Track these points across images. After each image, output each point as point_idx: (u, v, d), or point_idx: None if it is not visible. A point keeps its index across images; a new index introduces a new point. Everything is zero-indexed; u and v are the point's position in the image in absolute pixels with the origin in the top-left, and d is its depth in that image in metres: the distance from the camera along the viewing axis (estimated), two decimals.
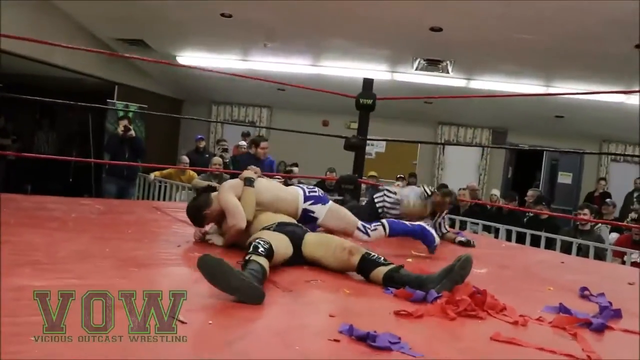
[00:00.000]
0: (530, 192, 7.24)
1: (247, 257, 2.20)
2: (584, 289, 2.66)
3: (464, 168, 11.01)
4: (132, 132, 6.91)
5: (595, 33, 6.09)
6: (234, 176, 7.04)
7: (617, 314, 2.24)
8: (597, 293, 2.57)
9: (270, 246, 2.30)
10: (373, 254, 2.52)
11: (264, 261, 2.19)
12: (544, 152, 10.98)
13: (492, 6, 5.85)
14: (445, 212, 4.23)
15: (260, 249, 2.25)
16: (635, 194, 9.13)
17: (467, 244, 3.98)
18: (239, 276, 1.96)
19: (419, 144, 11.04)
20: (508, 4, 5.73)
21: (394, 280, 2.36)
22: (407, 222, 3.46)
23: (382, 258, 2.49)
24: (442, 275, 2.30)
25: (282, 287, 2.21)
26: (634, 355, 1.81)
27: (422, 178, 10.55)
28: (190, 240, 3.01)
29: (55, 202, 4.02)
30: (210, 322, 1.69)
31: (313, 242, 2.67)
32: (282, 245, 2.50)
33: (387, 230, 3.29)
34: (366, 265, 2.47)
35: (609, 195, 9.18)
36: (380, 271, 2.42)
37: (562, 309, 2.22)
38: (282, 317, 1.88)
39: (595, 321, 2.00)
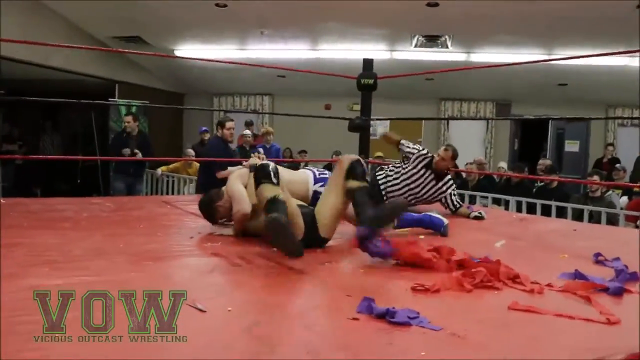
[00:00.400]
0: (541, 161, 7.19)
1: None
2: (598, 254, 2.65)
3: (469, 143, 10.95)
4: (133, 127, 6.84)
5: None
6: (233, 164, 7.10)
7: (634, 277, 2.24)
8: (612, 258, 2.57)
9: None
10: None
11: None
12: (549, 122, 10.91)
13: None
14: (450, 172, 4.24)
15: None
16: None
17: (481, 217, 3.98)
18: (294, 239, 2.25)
19: (423, 121, 11.00)
20: None
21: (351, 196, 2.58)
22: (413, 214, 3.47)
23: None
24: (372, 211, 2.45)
25: (296, 270, 2.22)
26: None
27: None
28: (202, 231, 3.02)
29: (66, 203, 4.03)
30: (230, 308, 1.70)
31: (320, 206, 2.73)
32: (296, 213, 2.57)
33: (395, 223, 3.31)
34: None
35: (617, 161, 9.14)
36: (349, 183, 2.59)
37: (578, 275, 2.21)
38: (300, 300, 1.90)
39: (612, 285, 2.00)
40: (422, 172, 4.20)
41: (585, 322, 1.69)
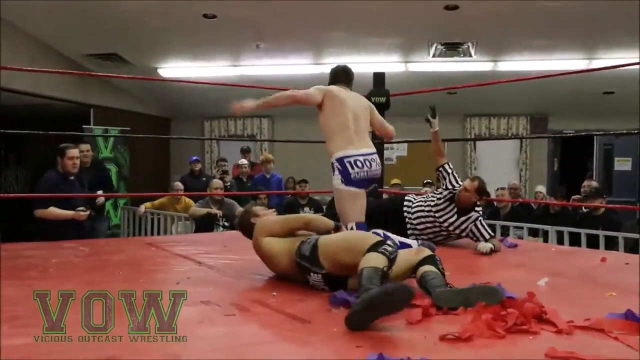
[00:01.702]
0: (586, 183, 7.10)
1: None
2: None
3: (501, 164, 10.94)
4: (89, 159, 6.41)
5: None
6: (235, 198, 7.13)
7: None
8: None
9: None
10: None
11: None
12: (594, 137, 10.88)
13: None
14: (476, 208, 4.29)
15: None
16: None
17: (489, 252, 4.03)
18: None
19: (446, 142, 11.00)
20: None
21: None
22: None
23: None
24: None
25: (299, 319, 2.23)
26: None
27: None
28: (191, 275, 3.04)
29: (33, 248, 4.07)
30: None
31: None
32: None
33: None
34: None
35: None
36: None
37: (630, 315, 2.20)
38: (303, 353, 1.89)
39: None
40: (445, 204, 4.28)
41: None
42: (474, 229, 4.24)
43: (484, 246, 4.01)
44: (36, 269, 3.23)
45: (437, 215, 4.31)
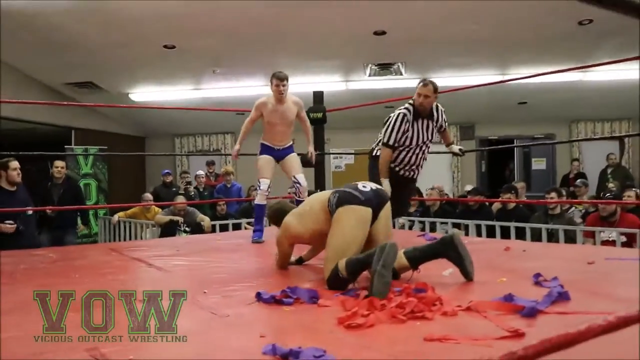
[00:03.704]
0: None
1: None
2: (538, 275, 2.67)
3: (436, 169, 11.03)
4: (62, 174, 6.34)
5: (535, 16, 6.20)
6: (199, 207, 7.10)
7: (565, 297, 2.26)
8: (552, 277, 2.60)
9: None
10: None
11: None
12: (514, 141, 11.08)
13: (423, 2, 5.93)
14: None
15: None
16: (609, 170, 9.23)
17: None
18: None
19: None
20: None
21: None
22: None
23: None
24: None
25: (220, 313, 2.20)
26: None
27: None
28: (139, 276, 3.01)
29: (6, 255, 3.98)
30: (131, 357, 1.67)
31: None
32: None
33: None
34: None
35: (583, 176, 9.28)
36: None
37: (507, 298, 2.22)
38: (211, 343, 1.87)
39: (528, 305, 2.01)
40: (414, 125, 4.18)
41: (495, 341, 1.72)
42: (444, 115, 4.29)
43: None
44: (4, 275, 3.16)
45: (414, 145, 4.24)
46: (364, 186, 2.80)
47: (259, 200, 4.56)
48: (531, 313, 1.97)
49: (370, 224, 2.73)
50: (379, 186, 2.94)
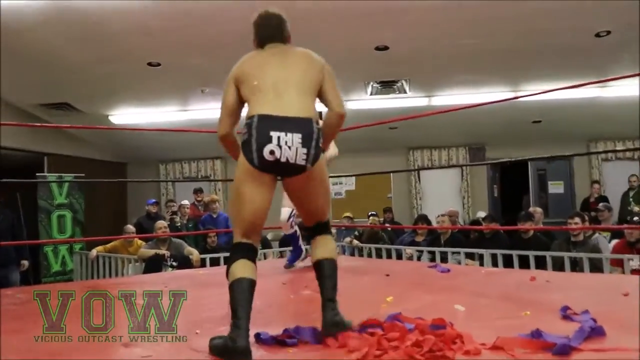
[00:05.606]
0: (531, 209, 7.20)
1: None
2: (566, 307, 2.63)
3: (444, 193, 11.06)
4: None
5: (549, 28, 6.22)
6: (184, 238, 7.03)
7: (599, 332, 2.21)
8: (582, 310, 2.55)
9: None
10: None
11: None
12: (528, 163, 11.09)
13: (427, 14, 5.92)
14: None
15: None
16: (631, 193, 9.20)
17: None
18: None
19: (392, 174, 11.07)
20: (443, 9, 5.80)
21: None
22: None
23: None
24: None
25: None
26: None
27: (400, 211, 10.57)
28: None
29: None
30: None
31: None
32: None
33: None
34: None
35: (605, 199, 9.26)
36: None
37: (535, 334, 2.17)
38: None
39: (559, 342, 1.96)
40: None
41: None
42: None
43: None
44: None
45: None
46: None
47: (285, 231, 4.69)
48: (564, 351, 1.92)
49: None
50: None
